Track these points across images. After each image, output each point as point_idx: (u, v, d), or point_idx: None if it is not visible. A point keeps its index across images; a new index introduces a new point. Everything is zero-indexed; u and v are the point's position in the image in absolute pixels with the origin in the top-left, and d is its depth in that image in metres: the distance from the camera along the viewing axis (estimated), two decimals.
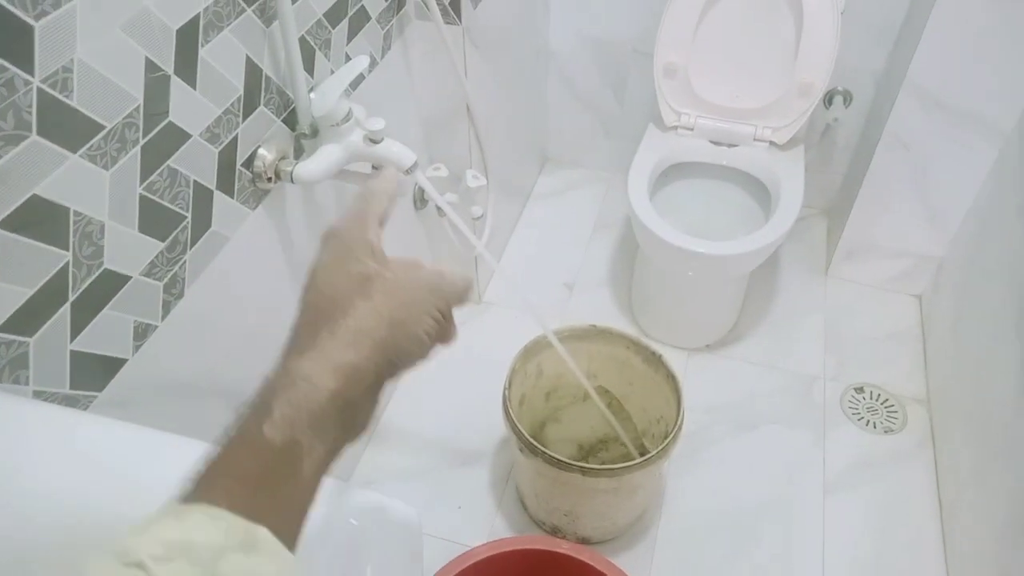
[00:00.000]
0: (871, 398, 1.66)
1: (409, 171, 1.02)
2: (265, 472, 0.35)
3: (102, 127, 0.70)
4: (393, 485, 1.51)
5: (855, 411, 1.63)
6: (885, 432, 1.59)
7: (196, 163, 0.86)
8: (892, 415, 1.62)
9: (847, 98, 1.82)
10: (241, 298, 1.01)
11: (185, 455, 0.61)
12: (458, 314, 0.45)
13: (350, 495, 0.53)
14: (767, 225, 1.55)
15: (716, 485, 1.51)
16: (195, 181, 0.86)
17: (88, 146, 0.70)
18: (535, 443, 1.21)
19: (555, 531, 1.40)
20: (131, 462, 0.60)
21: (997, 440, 1.29)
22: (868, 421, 1.61)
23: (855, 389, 1.68)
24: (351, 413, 0.39)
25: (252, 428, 0.36)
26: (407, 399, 1.65)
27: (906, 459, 1.55)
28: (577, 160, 2.20)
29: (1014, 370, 1.26)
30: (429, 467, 1.54)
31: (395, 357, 0.40)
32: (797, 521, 1.46)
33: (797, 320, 1.83)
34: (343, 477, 1.49)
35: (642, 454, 1.24)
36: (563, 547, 1.09)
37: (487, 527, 1.44)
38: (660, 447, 1.21)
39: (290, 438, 0.36)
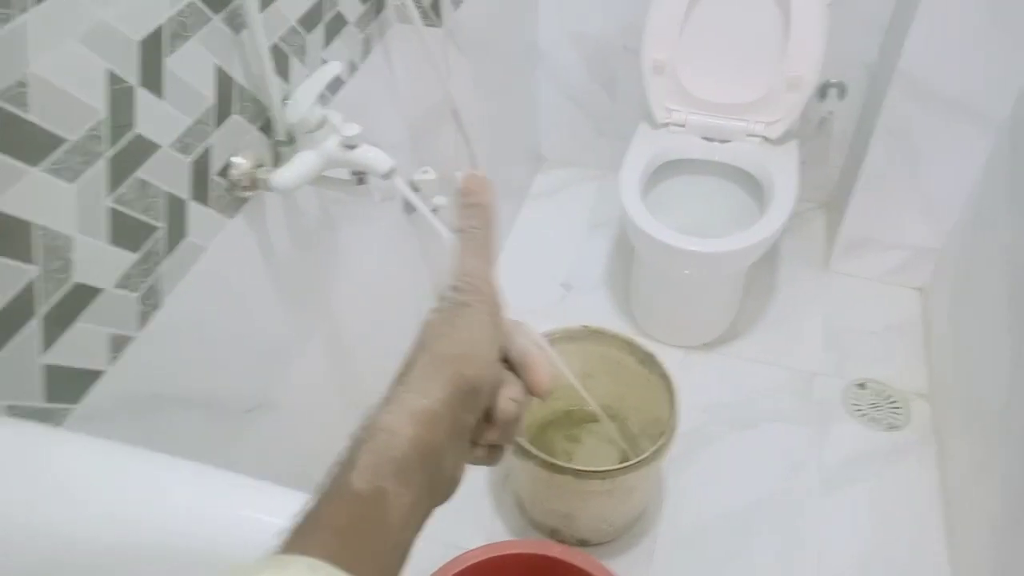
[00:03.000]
0: (874, 394, 1.63)
1: (386, 176, 1.01)
2: (355, 522, 0.36)
3: (63, 140, 0.70)
4: None
5: (857, 407, 1.61)
6: (888, 429, 1.57)
7: (167, 174, 0.85)
8: (895, 411, 1.60)
9: (841, 90, 1.80)
10: (223, 307, 1.01)
11: (160, 472, 0.61)
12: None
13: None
14: (761, 221, 1.54)
15: (715, 484, 1.50)
16: (167, 192, 0.86)
17: (50, 160, 0.69)
18: (527, 447, 1.20)
19: (553, 533, 1.39)
20: (107, 484, 0.60)
21: (996, 431, 1.26)
22: (871, 418, 1.59)
23: (857, 385, 1.65)
24: (436, 460, 0.38)
25: (340, 480, 0.37)
26: None
27: (909, 456, 1.53)
28: (572, 159, 2.19)
29: (1009, 359, 1.24)
30: None
31: (467, 389, 0.40)
32: (798, 519, 1.44)
33: (797, 315, 1.81)
34: None
35: (638, 456, 1.23)
36: (555, 551, 1.08)
37: (485, 530, 1.44)
38: (653, 449, 1.20)
39: (375, 487, 0.36)
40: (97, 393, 0.80)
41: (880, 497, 1.47)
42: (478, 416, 0.41)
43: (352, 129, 0.99)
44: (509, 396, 0.43)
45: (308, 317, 1.25)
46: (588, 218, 2.06)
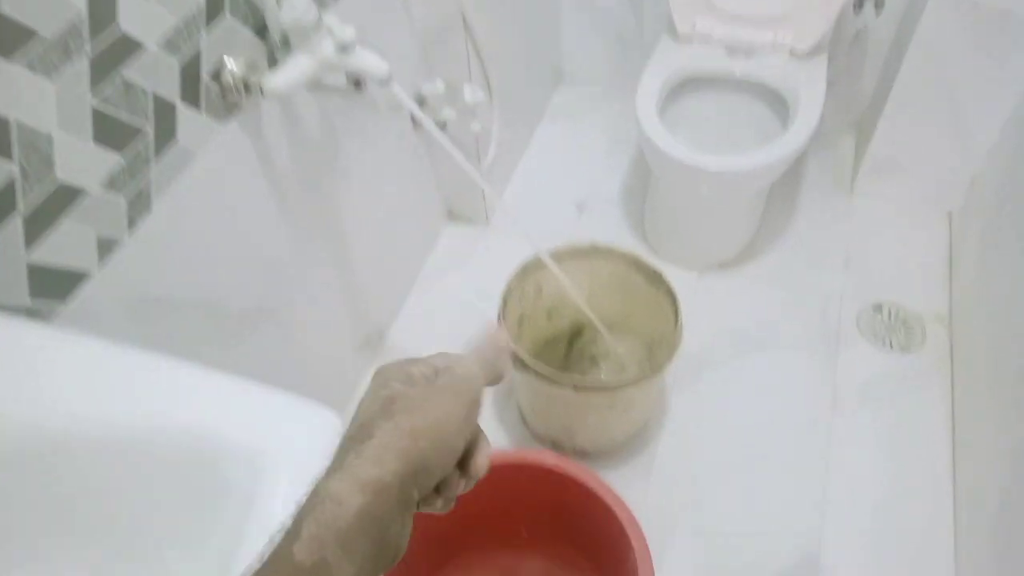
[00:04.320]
0: (889, 317, 1.60)
1: (383, 82, 0.98)
2: None
3: (36, 34, 0.69)
4: None
5: (872, 329, 1.58)
6: (901, 351, 1.54)
7: (154, 75, 0.84)
8: (910, 333, 1.57)
9: (878, 3, 1.69)
10: (218, 214, 1.01)
11: (144, 369, 0.62)
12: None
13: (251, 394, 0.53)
14: (782, 138, 1.48)
15: (721, 404, 1.50)
16: (155, 93, 0.85)
17: (25, 55, 0.68)
18: (526, 359, 1.20)
19: (555, 445, 1.41)
20: (84, 377, 0.61)
21: (1014, 356, 1.23)
22: (884, 340, 1.56)
23: (873, 307, 1.62)
24: (381, 531, 0.38)
25: (283, 551, 0.36)
26: (411, 317, 1.66)
27: (921, 379, 1.51)
28: (593, 77, 2.12)
29: None
30: None
31: (421, 467, 0.40)
32: (802, 441, 1.44)
33: (817, 239, 1.76)
34: (346, 393, 1.52)
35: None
36: (551, 460, 1.09)
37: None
38: (653, 364, 1.19)
39: (319, 558, 0.36)
40: (86, 294, 0.81)
41: (889, 419, 1.46)
42: (424, 494, 0.42)
43: (347, 32, 0.96)
44: (487, 454, 0.45)
45: (310, 227, 1.25)
46: (607, 138, 2.01)
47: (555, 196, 1.89)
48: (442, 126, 1.53)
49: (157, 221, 0.89)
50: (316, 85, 1.03)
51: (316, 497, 0.38)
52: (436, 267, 1.76)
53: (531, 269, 1.36)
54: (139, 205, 0.86)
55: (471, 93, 1.47)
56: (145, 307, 0.92)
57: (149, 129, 0.85)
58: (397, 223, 1.60)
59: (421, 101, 1.48)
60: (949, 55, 1.51)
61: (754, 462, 1.42)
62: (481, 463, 0.45)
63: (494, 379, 0.47)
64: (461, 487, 0.45)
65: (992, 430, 1.26)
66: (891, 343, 1.55)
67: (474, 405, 0.44)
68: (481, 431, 0.45)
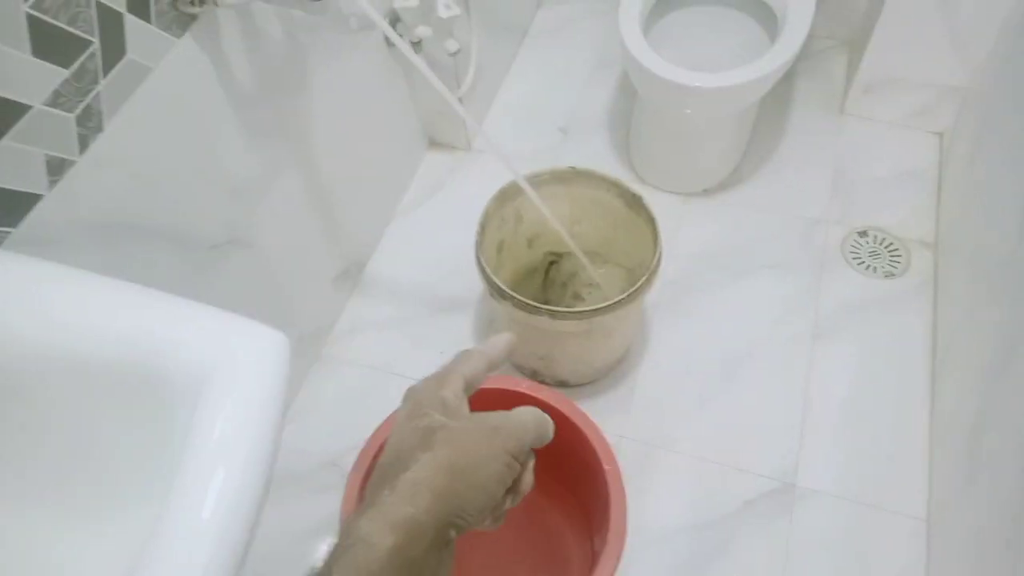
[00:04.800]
0: (874, 242, 1.58)
1: None
2: None
3: None
4: (375, 333, 1.52)
5: (856, 255, 1.56)
6: (885, 276, 1.53)
7: None
8: (895, 259, 1.55)
9: None
10: (178, 135, 0.97)
11: (89, 290, 0.60)
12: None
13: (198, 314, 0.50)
14: (768, 53, 1.43)
15: (702, 331, 1.49)
16: (97, 1, 0.79)
17: None
18: (502, 287, 1.18)
19: (534, 375, 1.40)
20: (45, 297, 0.59)
21: (999, 280, 1.22)
22: (868, 265, 1.54)
23: (858, 233, 1.60)
24: (415, 573, 0.36)
25: None
26: (391, 248, 1.63)
27: (904, 304, 1.50)
28: None
29: (1019, 205, 1.17)
30: (412, 315, 1.54)
31: (458, 507, 0.38)
32: (782, 364, 1.44)
33: (804, 161, 1.72)
34: (325, 326, 1.51)
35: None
36: (523, 386, 1.08)
37: None
38: (630, 291, 1.18)
39: None
40: (37, 217, 0.78)
41: (870, 344, 1.45)
42: (461, 533, 0.39)
43: None
44: (532, 468, 0.44)
45: (279, 152, 1.21)
46: (592, 58, 1.94)
47: (539, 119, 1.83)
48: (418, 46, 1.47)
49: (111, 141, 0.85)
50: None
51: (348, 538, 0.36)
52: (417, 196, 1.72)
53: (509, 195, 1.33)
54: (90, 123, 0.82)
55: (445, 8, 1.41)
56: (105, 233, 0.89)
57: (95, 41, 0.80)
58: (375, 149, 1.55)
59: (395, 18, 1.42)
60: None
61: (734, 388, 1.42)
62: (528, 480, 0.44)
63: (542, 439, 0.44)
64: (508, 503, 0.44)
65: (972, 354, 1.26)
66: (875, 269, 1.54)
67: (519, 454, 0.42)
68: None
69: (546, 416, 0.45)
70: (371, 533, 0.36)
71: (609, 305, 1.16)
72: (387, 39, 1.46)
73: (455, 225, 1.56)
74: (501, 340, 0.49)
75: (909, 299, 1.50)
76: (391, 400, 0.48)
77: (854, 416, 1.38)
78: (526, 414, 0.44)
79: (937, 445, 1.31)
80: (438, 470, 0.38)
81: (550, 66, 1.94)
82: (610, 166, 1.71)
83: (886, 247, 1.57)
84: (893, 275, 1.53)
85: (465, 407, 0.44)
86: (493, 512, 0.42)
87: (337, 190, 1.41)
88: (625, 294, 1.17)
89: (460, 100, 1.66)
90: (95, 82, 0.82)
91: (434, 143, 1.80)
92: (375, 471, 0.40)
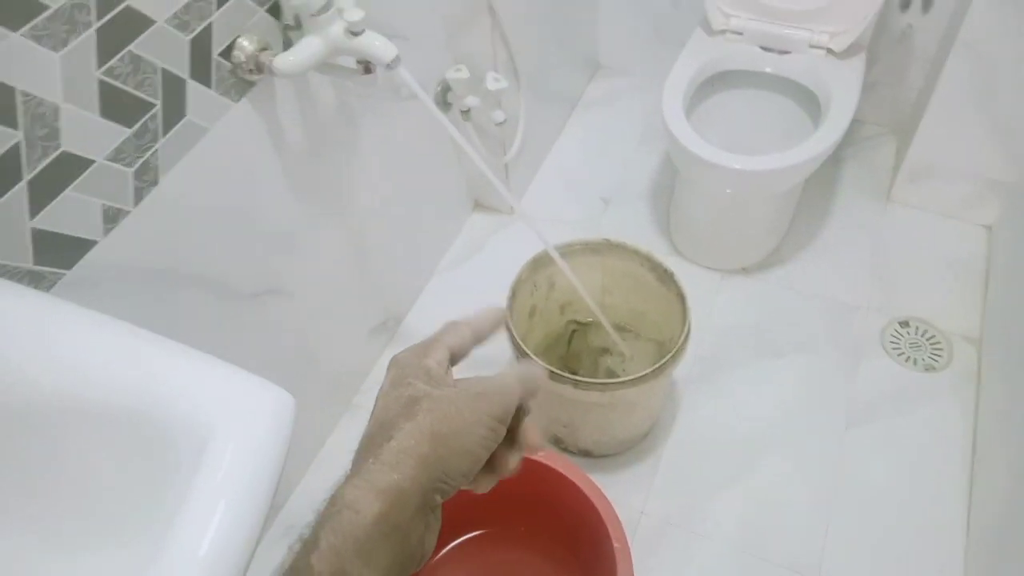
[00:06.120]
0: (916, 333, 1.55)
1: (390, 66, 0.99)
2: None
3: (45, 7, 0.71)
4: None
5: (895, 345, 1.53)
6: (925, 369, 1.49)
7: (164, 50, 0.86)
8: (937, 352, 1.51)
9: (926, 1, 1.63)
10: (228, 191, 1.03)
11: (108, 339, 0.62)
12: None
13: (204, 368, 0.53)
14: (811, 138, 1.44)
15: (732, 410, 1.47)
16: (164, 69, 0.86)
17: (30, 26, 0.71)
18: (526, 350, 1.20)
19: (556, 442, 1.40)
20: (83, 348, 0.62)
21: None
22: (908, 357, 1.51)
23: (899, 323, 1.57)
24: (400, 537, 0.38)
25: (302, 561, 0.36)
26: (429, 304, 1.67)
27: (943, 399, 1.45)
28: (628, 67, 2.09)
29: None
30: None
31: (442, 472, 0.39)
32: (813, 452, 1.40)
33: (847, 246, 1.71)
34: (358, 376, 1.54)
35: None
36: (539, 455, 1.09)
37: None
38: (655, 366, 1.18)
39: (337, 568, 0.36)
40: (91, 262, 0.84)
41: (906, 438, 1.41)
42: (447, 497, 0.40)
43: (356, 14, 0.97)
44: (535, 427, 0.44)
45: (324, 208, 1.26)
46: (639, 130, 1.98)
47: (583, 187, 1.87)
48: (466, 114, 1.53)
49: (164, 193, 0.91)
50: (327, 67, 1.03)
51: (334, 505, 0.37)
52: (459, 255, 1.76)
53: (543, 262, 1.35)
54: (146, 177, 0.88)
55: (494, 81, 1.47)
56: (149, 278, 0.94)
57: (158, 103, 0.87)
58: (420, 209, 1.61)
59: (445, 87, 1.49)
60: (995, 56, 1.44)
61: (760, 472, 1.39)
62: (530, 436, 0.44)
63: (528, 396, 0.44)
64: (510, 461, 0.43)
65: (1012, 455, 1.21)
66: (915, 361, 1.50)
67: (504, 417, 0.41)
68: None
69: (532, 370, 0.45)
70: (357, 500, 0.37)
71: (632, 379, 1.16)
72: (439, 106, 1.53)
73: (493, 286, 1.59)
74: (490, 313, 0.48)
75: (949, 394, 1.46)
76: None
77: (884, 512, 1.33)
78: (508, 376, 0.43)
79: (972, 551, 1.26)
80: (421, 438, 0.39)
81: (598, 136, 1.98)
82: (649, 238, 1.73)
83: (928, 339, 1.53)
84: (934, 368, 1.49)
85: (449, 376, 0.44)
86: (497, 467, 0.42)
87: (380, 246, 1.46)
88: (649, 370, 1.17)
89: (506, 166, 1.72)
90: (155, 140, 0.88)
91: (479, 205, 1.85)
92: (361, 439, 0.41)
